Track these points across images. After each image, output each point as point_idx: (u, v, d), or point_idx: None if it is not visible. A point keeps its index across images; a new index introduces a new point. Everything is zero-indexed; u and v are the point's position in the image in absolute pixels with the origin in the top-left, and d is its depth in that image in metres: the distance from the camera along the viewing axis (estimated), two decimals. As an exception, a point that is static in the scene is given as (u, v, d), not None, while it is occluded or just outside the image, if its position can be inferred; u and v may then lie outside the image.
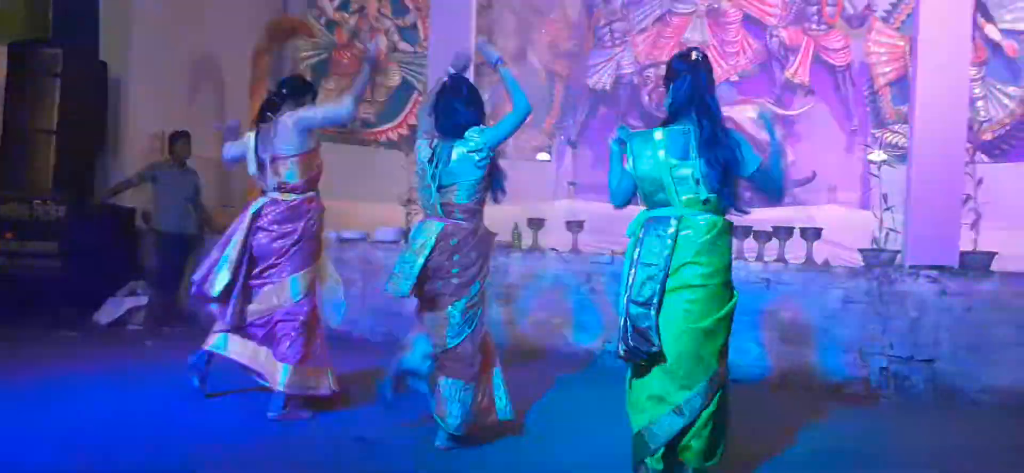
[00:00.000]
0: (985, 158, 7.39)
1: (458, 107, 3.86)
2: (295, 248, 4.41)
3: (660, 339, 3.11)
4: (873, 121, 8.53)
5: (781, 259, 6.04)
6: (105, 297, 7.33)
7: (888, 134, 8.21)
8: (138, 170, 7.30)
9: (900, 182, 6.24)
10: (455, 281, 3.82)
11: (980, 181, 5.71)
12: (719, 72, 9.11)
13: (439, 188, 3.83)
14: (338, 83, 10.23)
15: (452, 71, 4.00)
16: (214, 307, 4.46)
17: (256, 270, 4.42)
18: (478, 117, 3.92)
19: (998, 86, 8.00)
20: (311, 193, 4.50)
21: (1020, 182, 7.32)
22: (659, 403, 3.16)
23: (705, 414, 3.16)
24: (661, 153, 3.19)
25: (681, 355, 3.14)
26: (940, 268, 5.56)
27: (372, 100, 10.15)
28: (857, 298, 5.57)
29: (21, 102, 7.77)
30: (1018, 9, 7.94)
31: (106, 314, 7.23)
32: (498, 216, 7.42)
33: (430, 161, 3.84)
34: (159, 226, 7.08)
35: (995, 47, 7.97)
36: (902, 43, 8.27)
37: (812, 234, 6.15)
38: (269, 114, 4.44)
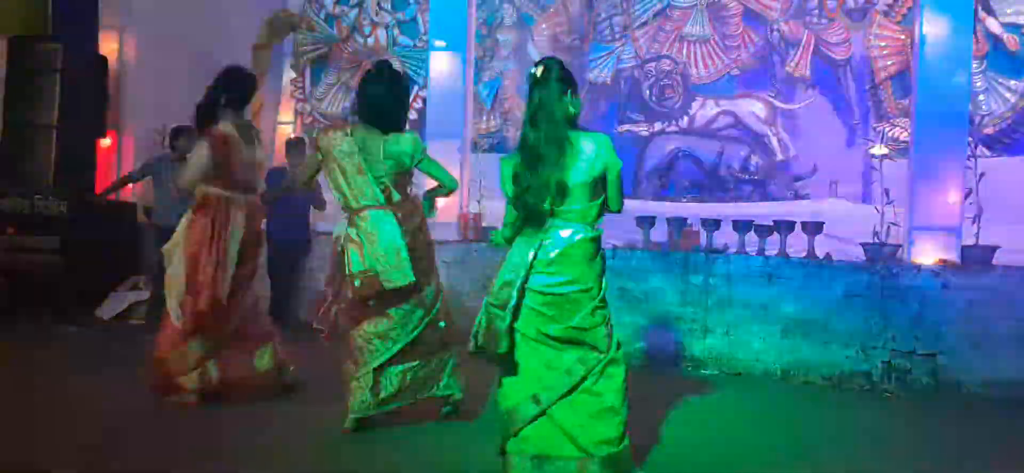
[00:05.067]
0: (986, 152, 7.37)
1: (389, 97, 3.97)
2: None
3: (511, 342, 3.21)
4: (874, 115, 8.54)
5: (783, 253, 6.04)
6: (107, 292, 7.33)
7: (889, 128, 8.21)
8: (139, 165, 7.30)
9: (902, 176, 6.24)
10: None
11: (982, 175, 5.70)
12: (720, 66, 9.12)
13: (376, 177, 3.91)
14: (338, 77, 10.23)
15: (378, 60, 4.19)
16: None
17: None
18: (405, 107, 4.08)
19: (999, 80, 8.00)
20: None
21: (1022, 176, 7.33)
22: (521, 388, 3.24)
23: (567, 405, 3.19)
24: None
25: (536, 355, 3.22)
26: (942, 262, 5.58)
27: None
28: (859, 292, 5.57)
29: (22, 97, 7.76)
30: (1019, 2, 7.94)
31: (108, 309, 7.23)
32: (500, 210, 7.45)
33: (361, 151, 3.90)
34: (160, 221, 7.04)
35: (996, 41, 7.97)
36: (903, 36, 8.27)
37: (814, 228, 6.14)
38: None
